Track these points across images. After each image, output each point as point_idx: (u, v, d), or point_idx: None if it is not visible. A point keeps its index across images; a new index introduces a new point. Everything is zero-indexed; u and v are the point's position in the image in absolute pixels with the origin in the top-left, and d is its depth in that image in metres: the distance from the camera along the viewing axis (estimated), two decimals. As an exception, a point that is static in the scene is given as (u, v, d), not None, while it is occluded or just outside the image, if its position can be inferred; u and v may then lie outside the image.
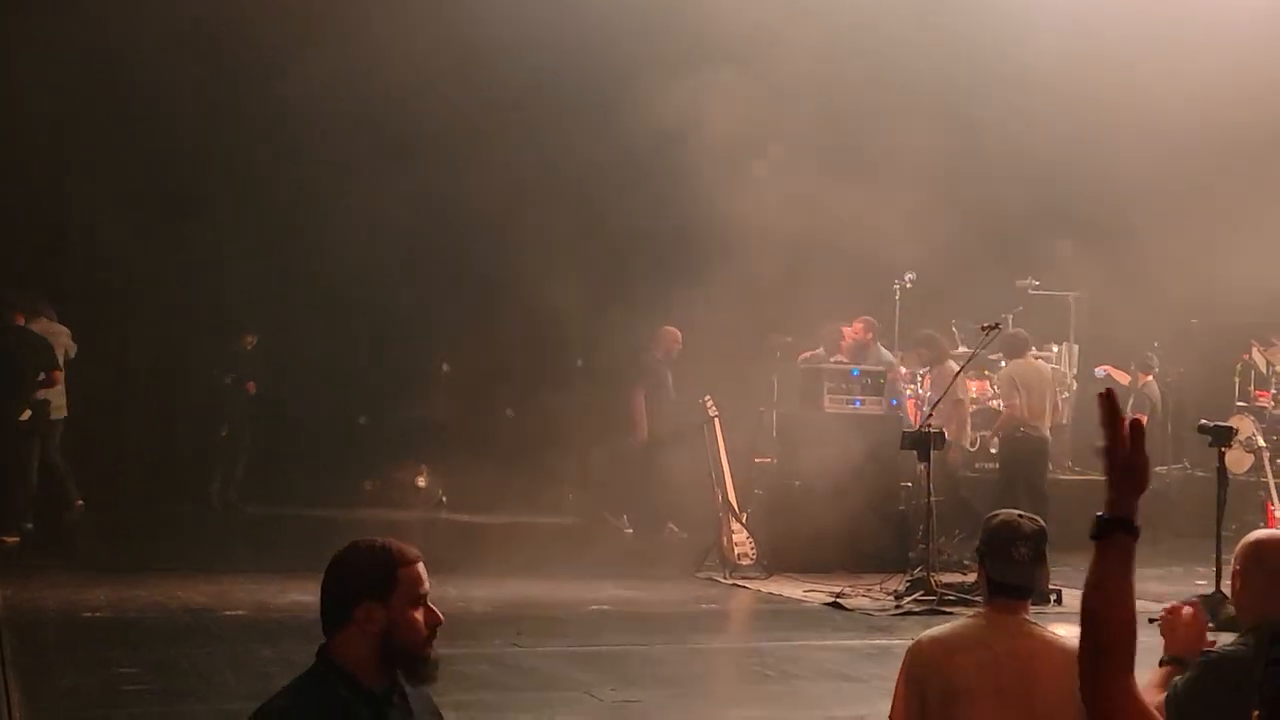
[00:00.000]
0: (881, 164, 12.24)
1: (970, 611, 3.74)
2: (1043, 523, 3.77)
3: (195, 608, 8.97)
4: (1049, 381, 12.58)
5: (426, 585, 3.05)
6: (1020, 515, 3.74)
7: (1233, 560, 3.86)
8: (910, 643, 3.75)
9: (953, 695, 3.57)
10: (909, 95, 12.75)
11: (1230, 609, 3.99)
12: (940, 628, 3.73)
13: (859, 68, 12.58)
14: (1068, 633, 3.64)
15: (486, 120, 13.34)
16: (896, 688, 3.72)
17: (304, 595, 9.53)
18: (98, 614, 8.59)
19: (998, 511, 3.79)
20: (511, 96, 13.41)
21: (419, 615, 3.01)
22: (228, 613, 8.83)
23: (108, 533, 12.29)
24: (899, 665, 8.15)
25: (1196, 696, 3.51)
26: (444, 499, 14.91)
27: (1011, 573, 3.64)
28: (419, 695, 3.09)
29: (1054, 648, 3.61)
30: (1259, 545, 3.77)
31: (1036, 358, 12.94)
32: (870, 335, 12.85)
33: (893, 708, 3.72)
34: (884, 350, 12.92)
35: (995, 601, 3.68)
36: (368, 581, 2.98)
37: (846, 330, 12.84)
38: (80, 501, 12.05)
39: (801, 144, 12.59)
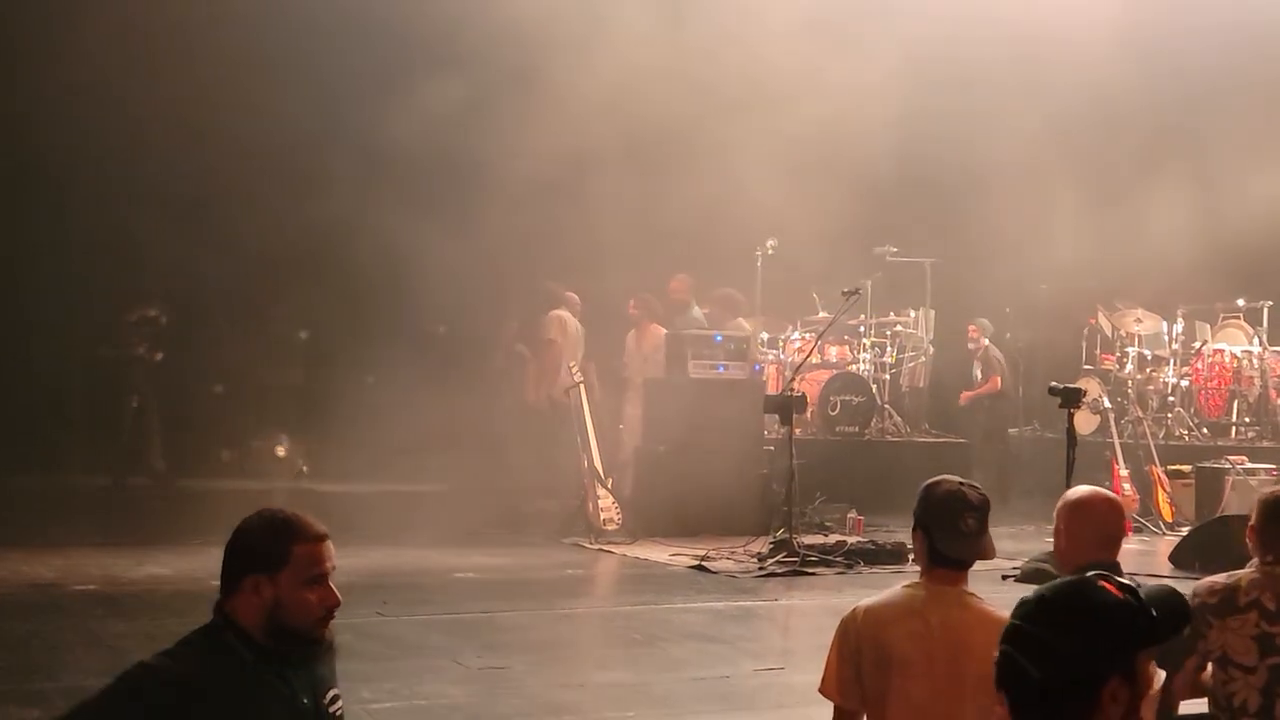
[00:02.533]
0: (743, 133, 12.33)
1: (906, 581, 3.71)
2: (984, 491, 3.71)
3: (43, 583, 8.69)
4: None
5: (327, 565, 2.97)
6: (962, 483, 3.65)
7: (1055, 518, 4.07)
8: (847, 613, 3.62)
9: (886, 665, 3.53)
10: (768, 62, 12.83)
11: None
12: (876, 598, 3.67)
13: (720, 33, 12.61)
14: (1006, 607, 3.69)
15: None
16: (829, 658, 3.63)
17: (160, 569, 9.33)
18: (-61, 591, 8.28)
19: (939, 479, 3.68)
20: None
21: (311, 595, 2.94)
22: (78, 587, 8.56)
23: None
24: (763, 626, 8.28)
25: None
26: (305, 468, 14.65)
27: (958, 545, 3.58)
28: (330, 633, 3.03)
29: (988, 619, 3.55)
30: (1081, 502, 4.14)
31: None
32: (687, 293, 12.91)
33: (824, 678, 3.65)
34: (697, 309, 13.00)
35: (935, 572, 3.62)
36: (259, 554, 2.93)
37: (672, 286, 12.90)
38: None
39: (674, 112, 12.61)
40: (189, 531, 10.90)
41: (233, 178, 12.87)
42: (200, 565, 9.50)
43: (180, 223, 13.05)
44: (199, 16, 12.39)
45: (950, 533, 3.56)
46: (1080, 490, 4.25)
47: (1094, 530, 4.09)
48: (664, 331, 12.58)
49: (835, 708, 3.66)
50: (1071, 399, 9.09)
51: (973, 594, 3.64)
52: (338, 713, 3.07)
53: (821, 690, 3.67)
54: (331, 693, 3.07)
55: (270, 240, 13.59)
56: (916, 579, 3.69)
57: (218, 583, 7.83)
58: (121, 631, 7.32)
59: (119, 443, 13.38)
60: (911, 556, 8.52)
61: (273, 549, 2.93)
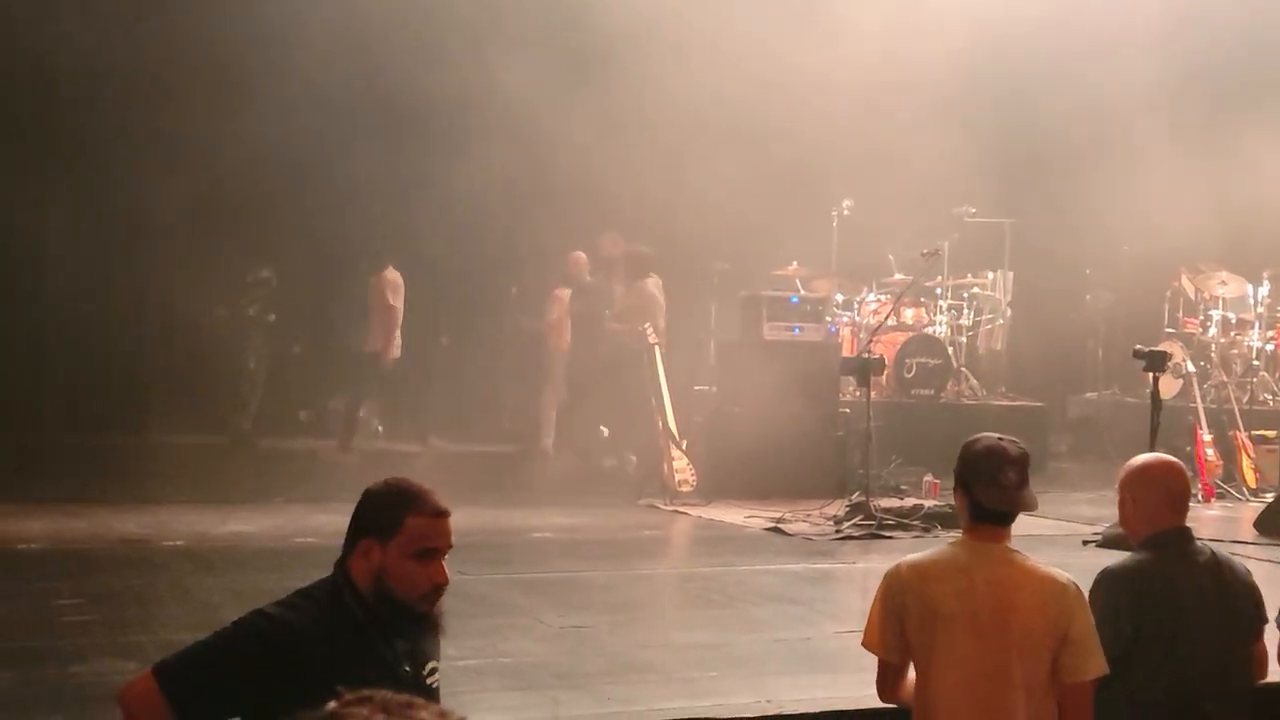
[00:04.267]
0: (818, 95, 12.23)
1: (950, 537, 3.72)
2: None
3: (133, 539, 8.87)
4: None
5: (441, 542, 3.00)
6: (1001, 438, 3.68)
7: (1118, 488, 4.07)
8: (888, 568, 3.73)
9: (930, 622, 3.56)
10: (843, 21, 12.70)
11: None
12: (919, 555, 3.71)
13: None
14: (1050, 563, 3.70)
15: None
16: (871, 613, 3.68)
17: (244, 525, 9.50)
18: (33, 545, 8.47)
19: (977, 436, 3.71)
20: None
21: (418, 568, 2.97)
22: (167, 543, 8.73)
23: (39, 463, 12.08)
24: (841, 589, 8.27)
25: (1100, 605, 3.80)
26: (380, 428, 14.81)
27: (1000, 498, 3.59)
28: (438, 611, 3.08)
29: (1034, 577, 3.61)
30: (1144, 468, 4.19)
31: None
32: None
33: (866, 632, 3.69)
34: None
35: (978, 528, 3.63)
36: (375, 519, 2.99)
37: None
38: None
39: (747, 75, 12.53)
40: (270, 490, 11.14)
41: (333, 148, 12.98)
42: (282, 523, 9.70)
43: (282, 188, 13.21)
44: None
45: (991, 486, 3.58)
46: (1141, 457, 4.31)
47: (1159, 495, 4.10)
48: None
49: (880, 662, 3.71)
50: (1157, 363, 8.98)
51: (1016, 550, 3.67)
52: (434, 684, 3.10)
53: (864, 644, 3.72)
54: (431, 664, 3.11)
55: (351, 207, 13.71)
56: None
57: (300, 540, 7.97)
58: (210, 586, 7.46)
59: (243, 403, 13.63)
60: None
61: (388, 516, 2.97)
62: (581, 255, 13.05)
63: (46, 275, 13.41)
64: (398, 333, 13.09)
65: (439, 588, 3.01)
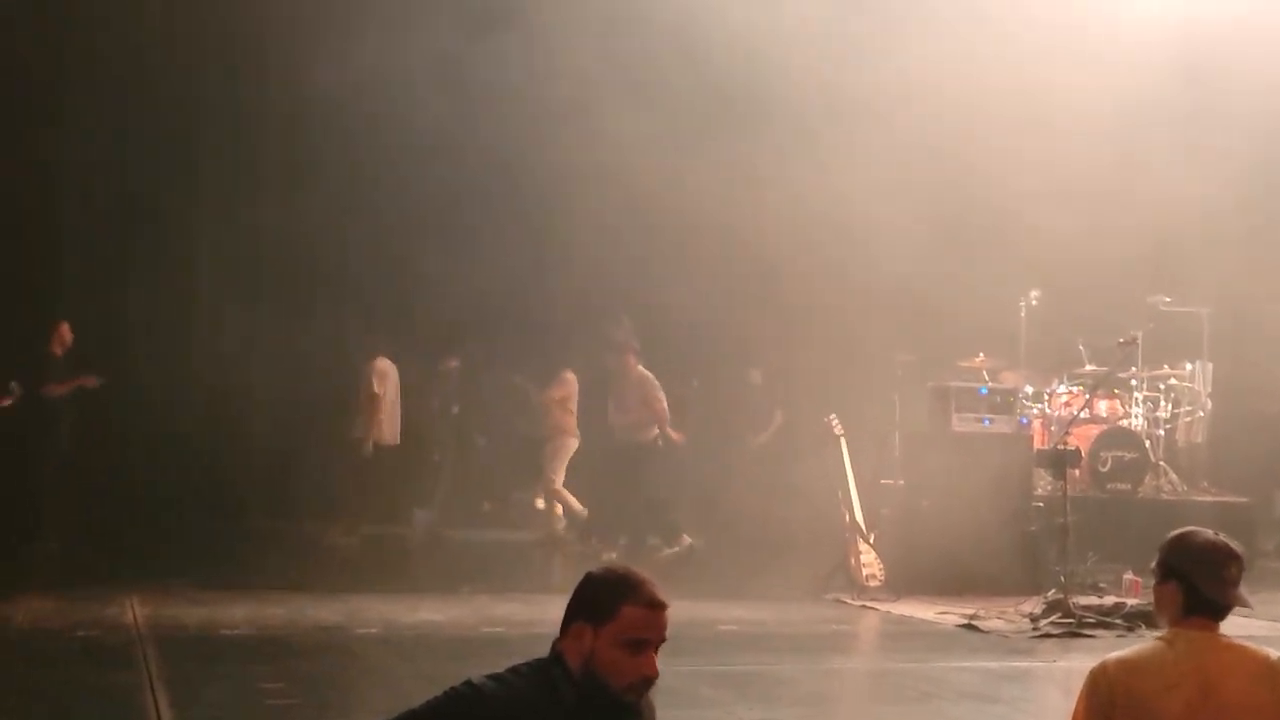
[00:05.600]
0: (1010, 177, 12.05)
1: (1155, 634, 3.58)
2: None
3: (329, 625, 9.07)
4: None
5: (654, 634, 2.97)
6: (1216, 533, 3.57)
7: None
8: (1093, 666, 3.58)
9: (1140, 718, 3.42)
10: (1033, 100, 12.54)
11: None
12: (1125, 651, 3.56)
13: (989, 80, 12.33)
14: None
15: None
16: (1076, 712, 3.53)
17: (433, 614, 9.62)
18: (237, 631, 8.72)
19: (1188, 529, 3.59)
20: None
21: (627, 658, 2.93)
22: (360, 630, 8.90)
23: (240, 550, 12.52)
24: (1042, 687, 7.96)
25: None
26: (564, 521, 14.93)
27: (1223, 592, 3.48)
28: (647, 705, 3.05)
29: (1249, 657, 3.46)
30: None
31: None
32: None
33: None
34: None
35: (1191, 620, 3.50)
36: (591, 604, 2.97)
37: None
38: None
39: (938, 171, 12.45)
40: (457, 580, 11.31)
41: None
42: (469, 612, 9.80)
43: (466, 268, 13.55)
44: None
45: (1216, 580, 3.46)
46: None
47: None
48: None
49: None
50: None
51: (1228, 636, 3.51)
52: None
53: None
54: None
55: (536, 300, 14.00)
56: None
57: (487, 629, 8.04)
58: (403, 673, 7.57)
59: (429, 495, 13.94)
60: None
61: (604, 602, 2.96)
62: None
63: (252, 369, 13.96)
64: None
65: (648, 680, 2.97)
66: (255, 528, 13.39)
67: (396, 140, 13.25)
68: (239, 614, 9.26)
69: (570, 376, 13.49)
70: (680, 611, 9.58)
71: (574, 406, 13.45)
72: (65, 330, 12.26)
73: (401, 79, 12.28)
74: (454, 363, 14.05)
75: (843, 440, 11.50)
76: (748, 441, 14.49)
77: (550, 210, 13.59)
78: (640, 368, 13.06)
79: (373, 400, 13.18)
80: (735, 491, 13.50)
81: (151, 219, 13.94)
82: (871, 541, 11.28)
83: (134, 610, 9.18)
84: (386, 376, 13.29)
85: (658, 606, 2.97)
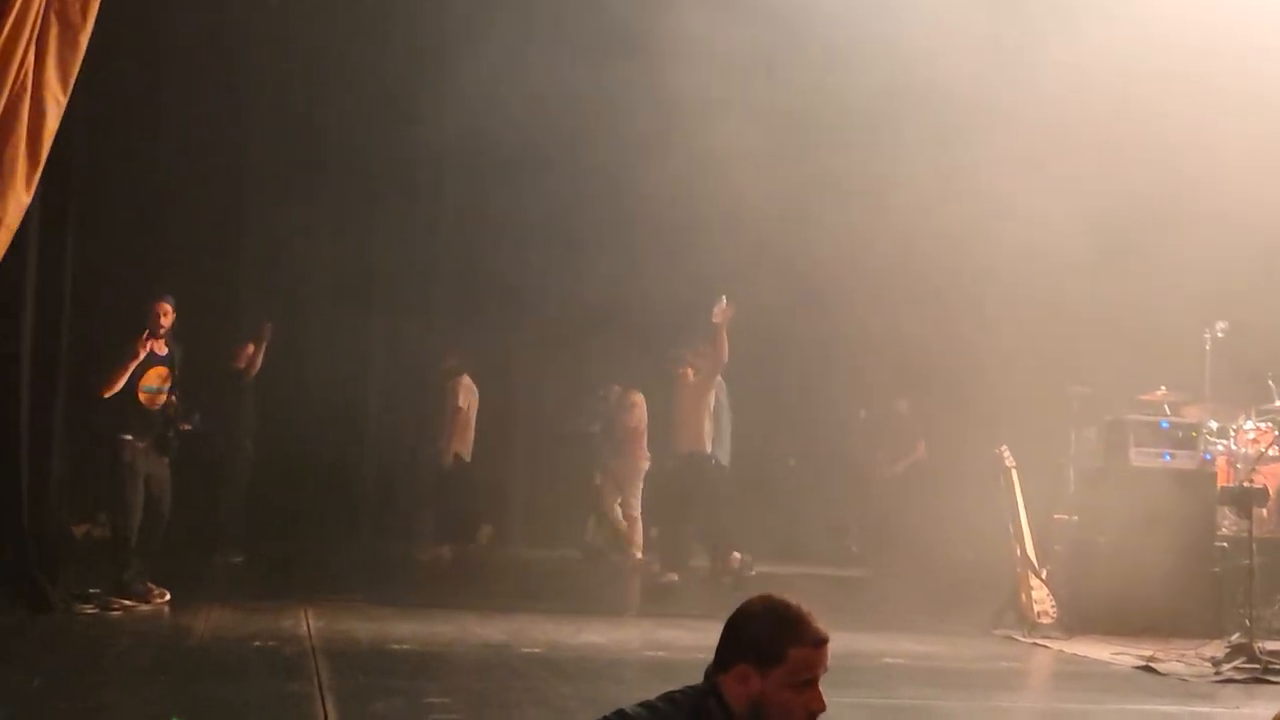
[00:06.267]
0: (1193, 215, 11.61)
1: None
2: None
3: (494, 644, 9.19)
4: None
5: (821, 670, 2.95)
6: None
7: None
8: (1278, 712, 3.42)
9: None
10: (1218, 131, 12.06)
11: None
12: None
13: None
14: None
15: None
16: None
17: (596, 636, 9.67)
18: (404, 646, 8.89)
19: None
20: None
21: (797, 698, 2.91)
22: (525, 650, 8.99)
23: (411, 571, 12.82)
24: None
25: None
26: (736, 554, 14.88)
27: None
28: None
29: None
30: None
31: None
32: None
33: None
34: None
35: None
36: (755, 647, 2.93)
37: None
38: None
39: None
40: (620, 604, 11.37)
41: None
42: (631, 636, 9.83)
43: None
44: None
45: None
46: None
47: None
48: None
49: None
50: None
51: None
52: None
53: None
54: None
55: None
56: None
57: (649, 653, 8.01)
58: (566, 693, 7.60)
59: (589, 517, 14.07)
60: None
61: (770, 646, 2.92)
62: None
63: (429, 392, 14.25)
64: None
65: (815, 715, 2.95)
66: (418, 546, 13.67)
67: (507, 155, 13.47)
68: (407, 630, 9.45)
69: (639, 399, 13.36)
70: (845, 642, 9.50)
71: (645, 428, 13.31)
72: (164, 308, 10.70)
73: (517, 98, 12.52)
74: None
75: (1014, 472, 11.22)
76: (882, 471, 14.24)
77: (708, 243, 13.52)
78: (696, 379, 12.67)
79: (459, 414, 13.46)
80: (902, 521, 13.25)
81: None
82: (1044, 577, 10.97)
83: (308, 623, 9.45)
84: (471, 392, 13.55)
85: (823, 643, 2.95)
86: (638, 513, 13.08)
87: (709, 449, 12.53)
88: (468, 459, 13.60)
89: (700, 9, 11.79)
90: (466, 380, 13.66)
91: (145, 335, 10.06)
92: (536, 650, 8.98)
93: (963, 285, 12.86)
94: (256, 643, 8.61)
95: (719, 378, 12.74)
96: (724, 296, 12.14)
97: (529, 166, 14.00)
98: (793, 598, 3.02)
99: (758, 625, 2.95)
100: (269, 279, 14.09)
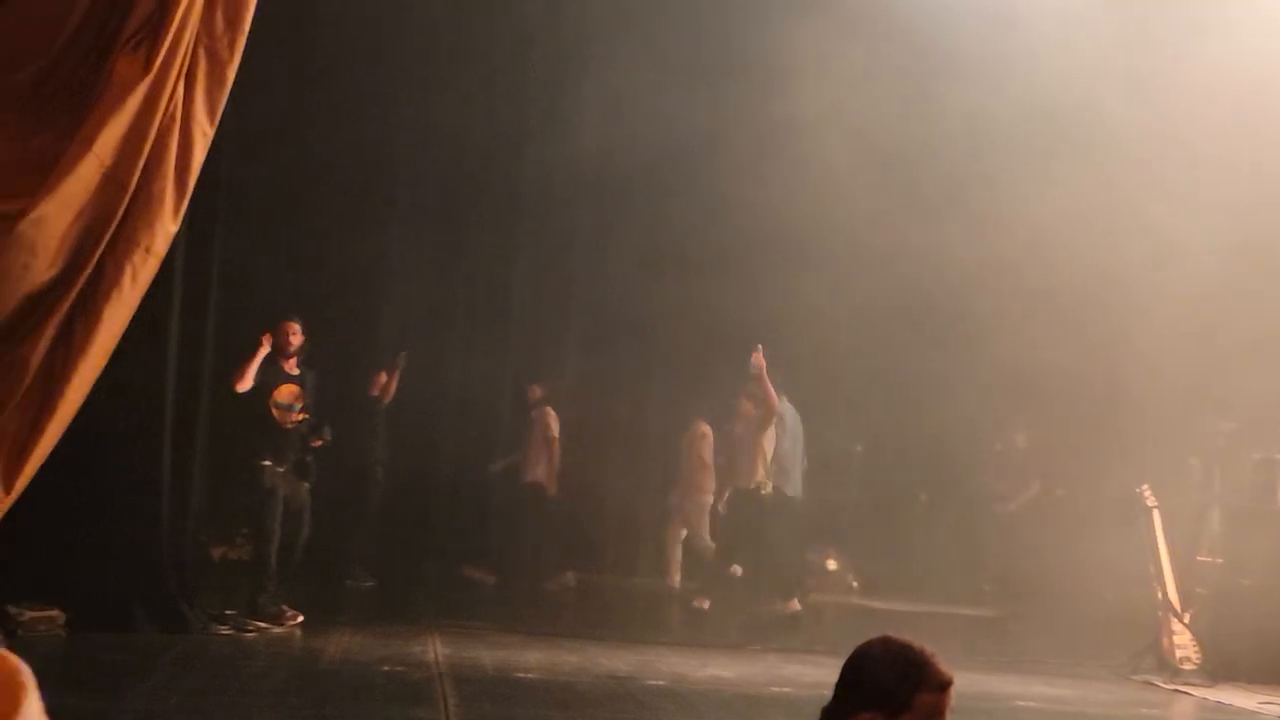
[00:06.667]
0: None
1: None
2: None
3: (619, 675, 9.15)
4: None
5: (945, 711, 2.88)
6: None
7: None
8: None
9: None
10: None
11: None
12: None
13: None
14: None
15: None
16: None
17: (721, 671, 9.58)
18: (530, 675, 8.91)
19: None
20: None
21: None
22: (650, 682, 8.94)
23: (539, 601, 12.87)
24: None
25: None
26: (855, 584, 14.68)
27: None
28: None
29: None
30: None
31: None
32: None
33: None
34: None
35: None
36: (880, 693, 2.86)
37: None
38: None
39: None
40: (746, 639, 11.27)
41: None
42: (758, 671, 9.72)
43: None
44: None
45: None
46: None
47: None
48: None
49: None
50: None
51: None
52: None
53: None
54: None
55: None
56: None
57: (775, 689, 7.86)
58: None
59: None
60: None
61: (896, 692, 2.85)
62: None
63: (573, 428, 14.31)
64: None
65: None
66: (543, 576, 13.71)
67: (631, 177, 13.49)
68: (533, 659, 9.46)
69: (707, 430, 13.20)
70: (976, 684, 9.28)
71: (710, 459, 13.14)
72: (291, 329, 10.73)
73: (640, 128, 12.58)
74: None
75: (1155, 512, 10.86)
76: (994, 508, 13.88)
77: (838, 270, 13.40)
78: (752, 411, 12.32)
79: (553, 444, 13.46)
80: (1037, 560, 12.91)
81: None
82: (1186, 621, 10.58)
83: (436, 649, 9.52)
84: (556, 421, 13.58)
85: (948, 685, 2.87)
86: (708, 543, 13.02)
87: (766, 483, 12.26)
88: (553, 490, 13.60)
89: (826, 30, 11.79)
90: (552, 410, 13.67)
91: (267, 334, 10.30)
92: (662, 683, 8.92)
93: (1107, 315, 12.52)
94: (385, 667, 8.70)
95: (790, 406, 12.57)
96: (760, 345, 11.94)
97: (661, 191, 14.05)
98: (913, 638, 2.94)
99: (881, 671, 2.87)
100: (405, 307, 14.29)
